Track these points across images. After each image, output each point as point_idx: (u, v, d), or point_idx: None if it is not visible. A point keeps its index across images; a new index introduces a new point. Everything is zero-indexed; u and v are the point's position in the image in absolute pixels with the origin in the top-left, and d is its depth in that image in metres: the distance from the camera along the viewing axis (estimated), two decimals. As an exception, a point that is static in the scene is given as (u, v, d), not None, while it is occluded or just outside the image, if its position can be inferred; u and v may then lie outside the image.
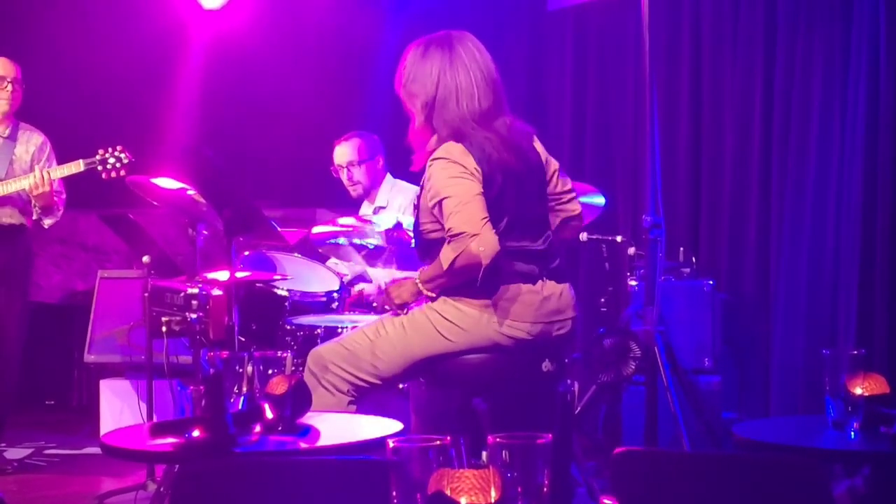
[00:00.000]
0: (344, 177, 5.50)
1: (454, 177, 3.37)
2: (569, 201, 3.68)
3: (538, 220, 3.55)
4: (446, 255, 3.35)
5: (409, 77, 3.53)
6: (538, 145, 3.63)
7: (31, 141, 5.31)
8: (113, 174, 5.13)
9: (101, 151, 5.13)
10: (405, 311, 3.55)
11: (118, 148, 5.15)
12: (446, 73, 3.47)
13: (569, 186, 3.69)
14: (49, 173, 5.10)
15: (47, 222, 5.25)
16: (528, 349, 3.47)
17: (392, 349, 3.47)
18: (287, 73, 7.08)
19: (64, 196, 5.27)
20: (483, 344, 3.44)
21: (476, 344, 3.44)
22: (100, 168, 5.12)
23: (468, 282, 3.37)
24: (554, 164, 3.66)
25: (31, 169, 5.23)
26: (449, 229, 3.34)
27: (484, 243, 3.29)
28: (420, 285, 3.49)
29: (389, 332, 3.49)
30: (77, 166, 5.14)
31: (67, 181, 5.24)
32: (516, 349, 3.46)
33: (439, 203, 3.38)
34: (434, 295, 3.48)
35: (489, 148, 3.41)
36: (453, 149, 3.41)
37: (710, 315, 5.16)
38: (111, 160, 5.12)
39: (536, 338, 3.46)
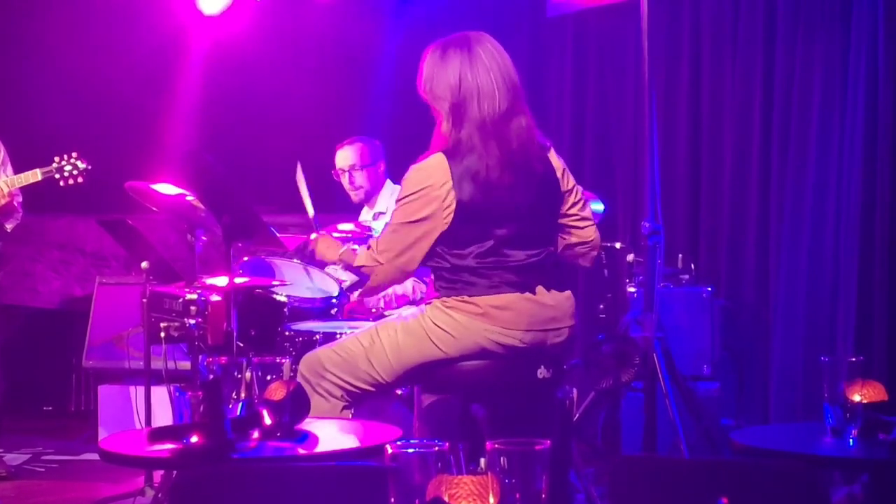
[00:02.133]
0: (345, 181, 5.49)
1: (408, 195, 3.45)
2: (583, 228, 3.64)
3: (538, 234, 3.53)
4: (360, 256, 3.57)
5: (431, 80, 3.51)
6: (555, 160, 3.59)
7: None
8: (70, 181, 5.14)
9: (56, 159, 5.15)
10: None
11: (74, 155, 5.16)
12: (467, 75, 3.45)
13: (587, 214, 3.66)
14: (6, 184, 5.10)
15: (9, 226, 5.26)
16: (521, 356, 3.47)
17: (385, 356, 3.47)
18: (287, 79, 7.08)
19: (20, 198, 5.27)
20: (474, 351, 3.44)
21: (467, 351, 3.44)
22: (56, 176, 5.13)
23: (461, 286, 3.42)
24: (573, 186, 3.62)
25: None
26: (374, 240, 3.54)
27: (381, 274, 3.51)
28: (340, 257, 3.66)
29: (383, 339, 3.49)
30: (34, 175, 5.14)
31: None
32: (509, 357, 3.45)
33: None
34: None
35: (482, 166, 3.39)
36: (433, 161, 3.43)
37: (708, 322, 5.16)
38: (67, 167, 5.13)
39: (529, 345, 3.45)
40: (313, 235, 3.91)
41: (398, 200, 3.51)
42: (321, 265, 3.77)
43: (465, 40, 3.52)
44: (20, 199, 5.26)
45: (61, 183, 5.14)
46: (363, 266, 3.55)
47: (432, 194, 3.41)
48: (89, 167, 5.15)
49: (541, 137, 3.56)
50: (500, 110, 3.44)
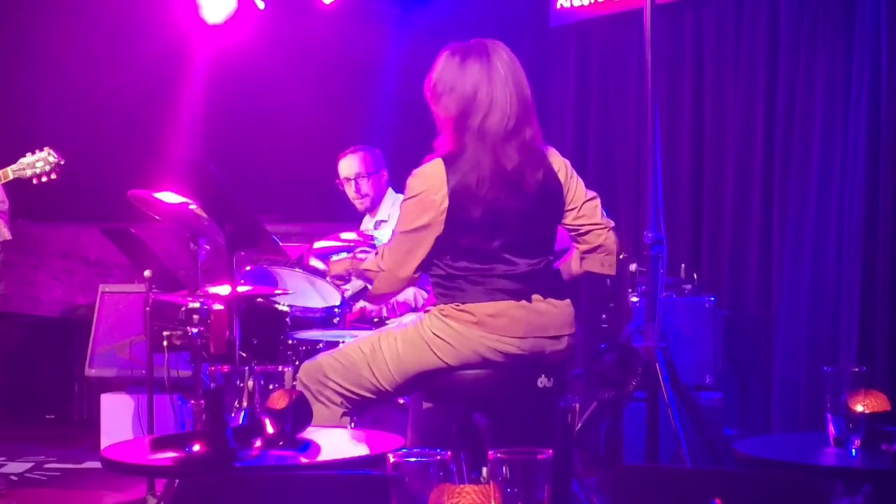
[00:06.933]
0: (351, 190, 5.49)
1: (407, 199, 3.47)
2: (592, 232, 3.58)
3: (536, 242, 3.51)
4: (367, 260, 3.64)
5: (444, 86, 3.46)
6: (556, 160, 3.55)
7: None
8: (44, 178, 4.90)
9: (28, 154, 4.90)
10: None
11: (45, 149, 4.91)
12: (484, 88, 3.41)
13: (598, 218, 3.59)
14: None
15: None
16: (521, 364, 3.46)
17: (386, 364, 3.47)
18: (289, 88, 7.10)
19: (6, 206, 5.05)
20: (473, 359, 3.43)
21: (466, 359, 3.43)
22: (28, 173, 4.88)
23: (456, 293, 3.42)
24: (579, 189, 3.59)
25: None
26: (381, 246, 3.61)
27: (382, 280, 3.54)
28: (351, 264, 3.79)
29: (383, 348, 3.49)
30: (4, 175, 4.90)
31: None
32: (509, 364, 3.45)
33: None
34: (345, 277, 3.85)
35: (474, 178, 3.38)
36: (431, 168, 3.43)
37: (711, 331, 5.16)
38: (39, 164, 4.88)
39: (528, 353, 3.44)
40: (364, 304, 3.98)
41: (401, 204, 3.56)
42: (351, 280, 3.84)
43: (483, 49, 3.47)
44: (6, 205, 5.01)
45: (34, 181, 4.88)
46: (367, 270, 3.59)
47: (429, 199, 3.41)
48: (62, 161, 4.88)
49: (542, 144, 3.55)
50: (508, 127, 3.42)
